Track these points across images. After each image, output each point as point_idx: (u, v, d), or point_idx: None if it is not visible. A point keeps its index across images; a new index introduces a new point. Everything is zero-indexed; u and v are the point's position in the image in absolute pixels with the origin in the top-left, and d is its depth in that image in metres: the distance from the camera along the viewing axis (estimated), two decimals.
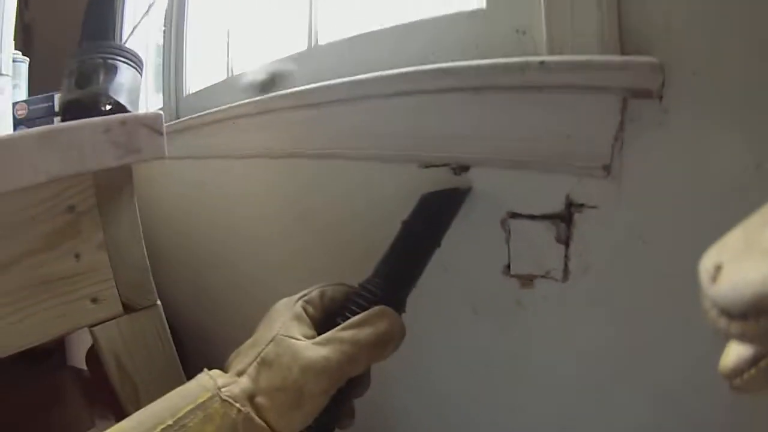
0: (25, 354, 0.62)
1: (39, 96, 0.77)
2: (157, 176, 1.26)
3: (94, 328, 0.66)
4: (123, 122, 0.59)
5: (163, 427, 0.39)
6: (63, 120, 0.68)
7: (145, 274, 0.68)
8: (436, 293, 0.58)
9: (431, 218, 0.53)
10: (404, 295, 0.49)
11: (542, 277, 0.53)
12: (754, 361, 0.23)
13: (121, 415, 0.57)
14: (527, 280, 0.54)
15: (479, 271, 0.57)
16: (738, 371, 0.23)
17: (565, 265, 0.51)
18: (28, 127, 0.71)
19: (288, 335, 0.44)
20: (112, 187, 0.65)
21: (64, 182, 0.61)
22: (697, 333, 0.41)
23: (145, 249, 0.68)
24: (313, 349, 0.43)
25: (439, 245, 0.52)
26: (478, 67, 0.48)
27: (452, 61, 0.55)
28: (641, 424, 0.51)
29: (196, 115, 1.00)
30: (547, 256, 0.51)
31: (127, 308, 0.67)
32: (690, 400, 0.47)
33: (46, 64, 0.73)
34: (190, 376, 0.44)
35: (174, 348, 0.71)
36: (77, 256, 0.64)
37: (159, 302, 0.70)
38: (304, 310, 0.47)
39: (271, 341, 0.44)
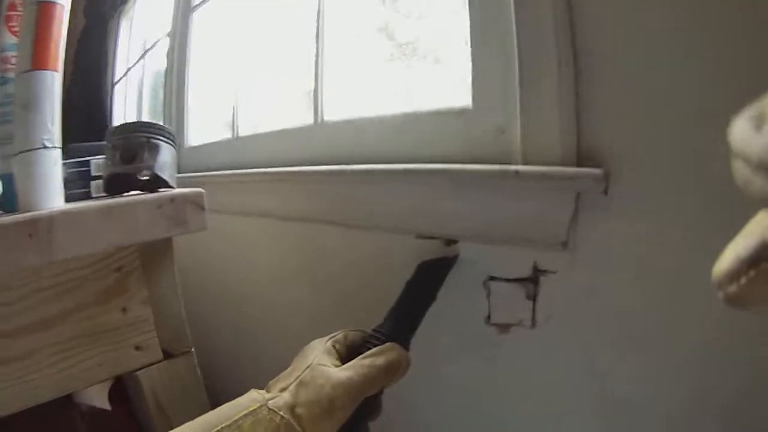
0: None
1: (74, 160, 0.85)
2: None
3: (138, 372, 0.77)
4: (172, 199, 0.72)
5: (221, 426, 0.50)
6: (107, 190, 0.78)
7: (182, 325, 0.80)
8: (433, 337, 0.71)
9: (428, 279, 0.68)
10: (409, 337, 0.63)
11: (516, 325, 0.67)
12: (753, 262, 0.21)
13: None
14: (504, 328, 0.68)
15: (467, 320, 0.71)
16: (734, 275, 0.22)
17: (533, 315, 0.65)
18: (67, 189, 0.80)
19: (321, 363, 0.56)
20: (155, 250, 0.77)
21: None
22: (634, 362, 0.58)
23: (182, 303, 0.80)
24: (341, 371, 0.56)
25: (434, 299, 0.67)
26: (464, 171, 0.63)
27: (444, 149, 0.70)
28: None
29: (206, 174, 1.13)
30: (519, 309, 0.66)
31: (167, 355, 0.79)
32: (637, 411, 0.60)
33: None
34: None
35: (203, 388, 0.83)
36: (124, 309, 0.75)
37: (193, 349, 0.82)
38: (333, 346, 0.60)
39: (307, 368, 0.56)
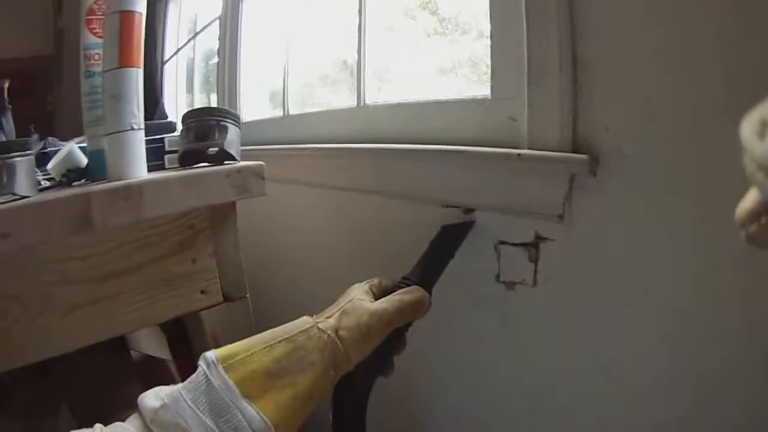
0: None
1: (151, 137, 0.99)
2: None
3: (202, 312, 0.93)
4: (239, 170, 0.87)
5: (282, 338, 0.61)
6: (182, 163, 0.94)
7: (240, 275, 0.96)
8: (451, 292, 0.85)
9: (449, 239, 0.82)
10: (432, 284, 0.77)
11: (520, 283, 0.80)
12: None
13: None
14: (510, 285, 0.82)
15: (480, 278, 0.85)
16: (755, 214, 0.24)
17: (535, 276, 0.79)
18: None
19: (360, 299, 0.69)
20: (221, 212, 0.93)
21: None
22: (621, 323, 0.70)
23: (242, 257, 0.96)
24: (377, 304, 0.69)
25: (453, 256, 0.81)
26: (479, 153, 0.77)
27: (466, 132, 0.84)
28: (584, 381, 0.76)
29: (263, 147, 1.30)
30: (523, 270, 0.79)
31: (227, 299, 0.95)
32: (629, 373, 0.70)
33: (76, 62, 0.95)
34: None
35: (254, 329, 0.97)
36: (194, 260, 0.91)
37: (248, 295, 0.97)
38: (370, 288, 0.74)
39: (349, 301, 0.69)
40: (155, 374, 1.53)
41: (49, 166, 0.95)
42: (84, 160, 0.95)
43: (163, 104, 2.42)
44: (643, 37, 0.63)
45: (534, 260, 0.78)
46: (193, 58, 2.38)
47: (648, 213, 0.65)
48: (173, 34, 2.47)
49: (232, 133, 0.92)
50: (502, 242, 0.82)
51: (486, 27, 0.83)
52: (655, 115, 0.63)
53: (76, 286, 0.81)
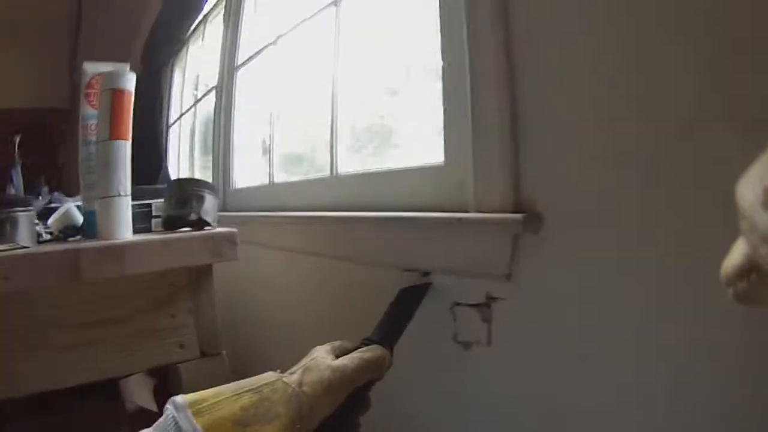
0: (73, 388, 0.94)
1: (140, 202, 1.07)
2: None
3: (180, 365, 1.00)
4: (213, 236, 0.97)
5: (249, 388, 0.65)
6: (164, 226, 1.04)
7: (216, 330, 1.04)
8: (414, 352, 0.89)
9: (407, 301, 0.88)
10: (392, 343, 0.81)
11: (475, 343, 0.84)
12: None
13: None
14: (467, 345, 0.85)
15: (439, 339, 0.89)
16: (744, 272, 0.23)
17: (489, 335, 0.82)
18: (134, 224, 1.03)
19: (322, 357, 0.73)
20: (199, 272, 1.01)
21: (170, 269, 0.96)
22: (574, 381, 0.72)
23: (217, 314, 1.03)
24: (338, 361, 0.72)
25: (412, 317, 0.86)
26: (429, 219, 0.84)
27: (425, 198, 0.91)
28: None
29: (248, 214, 1.40)
30: (477, 330, 0.83)
31: (204, 353, 1.02)
32: (572, 418, 0.72)
33: None
34: None
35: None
36: (173, 316, 0.99)
37: (224, 352, 1.04)
38: (332, 349, 0.77)
39: (311, 359, 0.73)
40: (145, 423, 1.56)
41: (50, 221, 1.08)
42: (80, 219, 1.06)
43: (166, 166, 2.55)
44: (577, 95, 0.69)
45: (487, 320, 0.82)
46: (194, 122, 2.51)
47: (591, 266, 0.69)
48: (178, 98, 2.62)
49: (209, 202, 1.03)
50: (458, 303, 0.86)
51: None
52: (591, 171, 0.68)
53: (67, 329, 0.92)
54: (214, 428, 0.60)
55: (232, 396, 0.64)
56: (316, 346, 0.80)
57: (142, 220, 1.08)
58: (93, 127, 1.01)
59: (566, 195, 0.71)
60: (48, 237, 1.06)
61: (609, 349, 0.68)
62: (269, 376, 0.69)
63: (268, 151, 1.59)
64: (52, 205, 1.28)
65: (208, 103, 2.22)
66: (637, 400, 0.65)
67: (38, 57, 3.37)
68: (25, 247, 0.88)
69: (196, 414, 0.60)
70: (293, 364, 0.74)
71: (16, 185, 1.67)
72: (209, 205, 1.03)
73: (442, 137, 0.91)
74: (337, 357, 0.76)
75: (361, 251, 1.04)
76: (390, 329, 0.84)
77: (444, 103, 0.90)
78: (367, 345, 0.79)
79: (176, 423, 0.59)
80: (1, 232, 0.94)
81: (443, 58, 0.90)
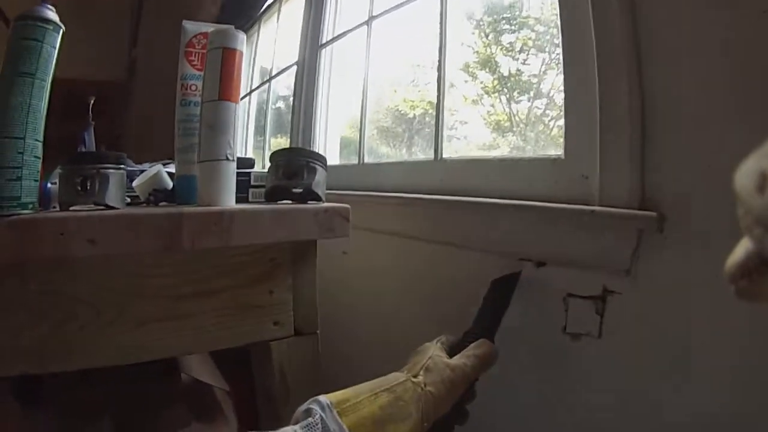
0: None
1: (239, 171, 1.03)
2: None
3: (272, 343, 1.01)
4: (326, 210, 0.97)
5: (384, 388, 0.71)
6: (268, 198, 1.05)
7: (314, 311, 1.05)
8: (518, 343, 0.94)
9: (501, 291, 0.93)
10: (493, 335, 0.87)
11: (585, 335, 0.88)
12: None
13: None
14: (576, 337, 0.89)
15: (546, 329, 0.93)
16: (746, 270, 0.24)
17: (600, 328, 0.86)
18: None
19: (439, 355, 0.80)
20: (303, 249, 1.02)
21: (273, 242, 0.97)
22: (680, 383, 0.75)
23: (317, 293, 1.05)
24: (457, 359, 0.79)
25: (507, 306, 0.91)
26: (554, 209, 0.87)
27: (539, 189, 0.94)
28: None
29: (340, 192, 1.42)
30: (589, 322, 0.87)
31: (298, 332, 1.03)
32: (681, 418, 0.75)
33: (145, 90, 1.04)
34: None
35: (320, 365, 1.05)
36: (271, 292, 1.00)
37: (318, 331, 1.05)
38: (441, 345, 0.84)
39: (429, 358, 0.78)
40: (201, 399, 1.60)
41: (135, 184, 1.04)
42: (170, 183, 1.04)
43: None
44: (712, 90, 0.72)
45: (600, 312, 0.86)
46: (267, 100, 2.55)
47: (712, 271, 0.68)
48: (245, 76, 2.67)
49: (320, 174, 1.03)
50: (571, 295, 0.90)
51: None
52: (723, 173, 0.69)
53: (151, 301, 0.88)
54: (358, 427, 0.65)
55: (371, 395, 0.69)
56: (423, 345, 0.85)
57: (239, 190, 1.04)
58: (192, 87, 1.01)
59: (694, 196, 0.74)
60: (130, 201, 1.00)
61: (722, 356, 0.71)
62: (399, 376, 0.75)
63: (360, 129, 1.60)
64: (137, 168, 1.26)
65: (280, 85, 2.24)
66: (751, 409, 0.68)
67: (99, 29, 3.46)
68: (113, 208, 0.85)
69: (341, 414, 0.65)
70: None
71: (88, 146, 1.68)
72: (320, 178, 1.03)
73: (563, 129, 0.95)
74: (448, 353, 0.82)
75: (467, 237, 1.07)
76: (490, 322, 0.89)
77: (565, 95, 0.93)
78: (472, 339, 0.85)
79: (324, 422, 0.63)
80: (88, 189, 0.84)
81: (565, 50, 0.94)
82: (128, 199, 0.97)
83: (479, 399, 0.83)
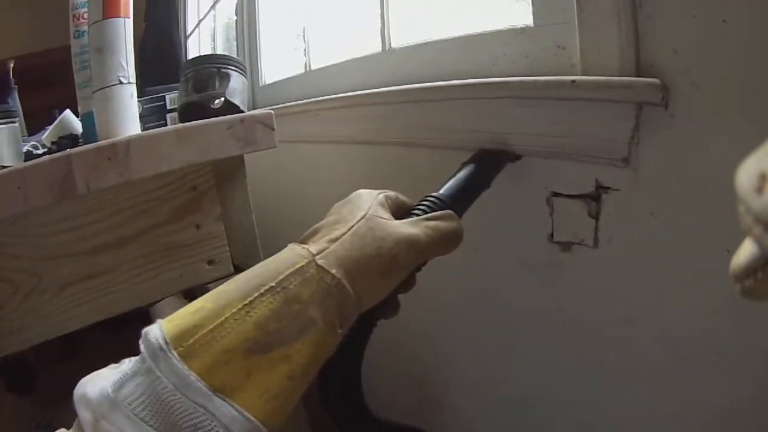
0: (108, 322, 0.80)
1: (150, 96, 0.94)
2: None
3: (209, 285, 0.85)
4: (242, 120, 0.79)
5: (266, 287, 0.44)
6: (182, 119, 0.87)
7: (253, 241, 0.88)
8: (494, 253, 0.76)
9: (485, 165, 0.69)
10: (461, 213, 0.61)
11: (578, 244, 0.69)
12: None
13: None
14: (566, 246, 0.71)
15: (529, 238, 0.74)
16: (750, 270, 0.24)
17: (596, 234, 0.67)
18: (144, 123, 0.89)
19: (379, 215, 0.51)
20: (228, 170, 0.84)
21: (190, 167, 0.80)
22: (697, 286, 0.58)
23: (254, 219, 0.87)
24: (405, 227, 0.51)
25: (488, 186, 0.68)
26: (525, 83, 0.65)
27: (506, 67, 0.74)
28: (652, 364, 0.66)
29: (280, 105, 1.21)
30: (581, 228, 0.68)
31: (238, 269, 0.86)
32: (693, 343, 0.61)
33: None
34: None
35: None
36: (198, 226, 0.84)
37: None
38: (385, 200, 0.56)
39: (362, 218, 0.50)
40: None
41: (44, 136, 0.94)
42: (78, 126, 0.92)
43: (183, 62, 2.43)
44: None
45: (595, 215, 0.67)
46: (214, 28, 2.36)
47: (732, 153, 0.52)
48: (194, 7, 2.47)
49: (236, 81, 0.85)
50: (556, 194, 0.70)
51: None
52: (733, 35, 0.51)
53: (65, 260, 0.75)
54: (218, 369, 0.40)
55: (242, 308, 0.43)
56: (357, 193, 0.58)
57: (154, 117, 0.93)
58: (85, 15, 0.84)
59: (701, 64, 0.54)
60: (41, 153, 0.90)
61: None
62: (294, 255, 0.47)
63: (303, 35, 1.40)
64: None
65: (229, 6, 2.04)
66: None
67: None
68: (4, 167, 0.72)
69: (185, 356, 0.40)
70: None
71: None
72: (236, 85, 0.85)
73: None
74: (395, 216, 0.55)
75: (421, 134, 0.87)
76: (461, 192, 0.64)
77: None
78: (435, 205, 0.58)
79: (153, 375, 0.39)
80: None
81: None
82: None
83: (462, 310, 0.63)
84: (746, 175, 0.22)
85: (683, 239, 0.59)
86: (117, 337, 1.47)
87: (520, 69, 0.72)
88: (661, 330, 0.64)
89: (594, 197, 0.66)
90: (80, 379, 0.41)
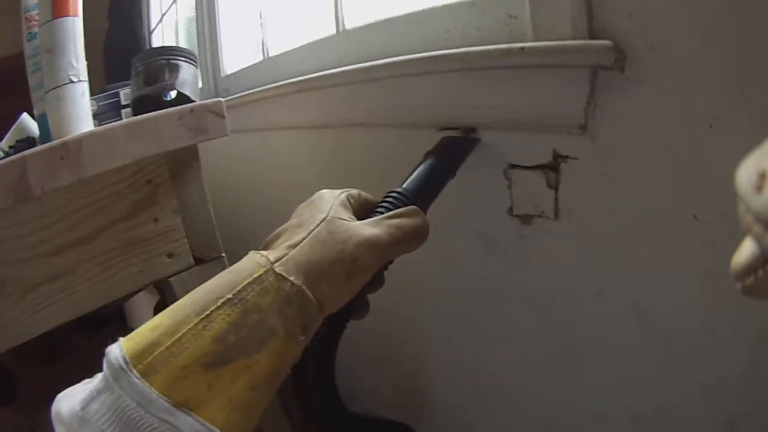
0: (86, 322, 0.79)
1: (105, 93, 0.91)
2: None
3: (171, 279, 0.83)
4: (192, 110, 0.77)
5: (223, 300, 0.43)
6: (135, 113, 0.84)
7: (212, 231, 0.86)
8: (454, 230, 0.74)
9: (449, 153, 0.67)
10: (427, 206, 0.59)
11: (538, 216, 0.68)
12: None
13: None
14: (526, 219, 0.69)
15: (488, 212, 0.73)
16: (751, 269, 0.23)
17: (556, 206, 0.66)
18: (99, 121, 0.87)
19: (339, 217, 0.50)
20: (182, 161, 0.82)
21: (144, 161, 0.78)
22: (666, 255, 0.57)
23: (211, 210, 0.85)
24: (366, 228, 0.50)
25: (454, 175, 0.65)
26: (474, 53, 0.63)
27: (458, 41, 0.71)
28: (625, 338, 0.64)
29: (238, 95, 1.18)
30: (541, 200, 0.66)
31: (198, 261, 0.85)
32: (666, 314, 0.60)
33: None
34: None
35: None
36: (155, 220, 0.81)
37: (224, 254, 0.87)
38: (348, 200, 0.54)
39: (322, 221, 0.49)
40: None
41: (2, 143, 0.92)
42: (35, 129, 0.90)
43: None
44: None
45: (554, 186, 0.65)
46: (177, 22, 2.31)
47: (690, 122, 0.51)
48: (156, 3, 2.41)
49: (186, 71, 0.83)
50: (513, 166, 0.68)
51: None
52: None
53: (29, 263, 0.73)
54: (179, 385, 0.40)
55: (199, 322, 0.42)
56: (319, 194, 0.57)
57: (110, 114, 0.91)
58: (37, 17, 0.81)
59: (657, 26, 0.52)
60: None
61: (709, 229, 0.53)
62: (252, 264, 0.46)
63: (261, 23, 1.38)
64: None
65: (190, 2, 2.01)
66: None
67: None
68: None
69: (145, 373, 0.39)
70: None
71: None
72: (187, 75, 0.83)
73: None
74: (356, 214, 0.54)
75: (377, 113, 0.85)
76: (426, 185, 0.61)
77: None
78: (398, 201, 0.56)
79: (116, 394, 0.39)
80: None
81: None
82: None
83: (434, 291, 0.61)
84: (746, 173, 0.22)
85: (647, 206, 0.57)
86: (98, 339, 1.46)
87: (472, 41, 0.70)
88: (632, 302, 0.62)
89: (552, 167, 0.64)
90: (63, 384, 0.42)
